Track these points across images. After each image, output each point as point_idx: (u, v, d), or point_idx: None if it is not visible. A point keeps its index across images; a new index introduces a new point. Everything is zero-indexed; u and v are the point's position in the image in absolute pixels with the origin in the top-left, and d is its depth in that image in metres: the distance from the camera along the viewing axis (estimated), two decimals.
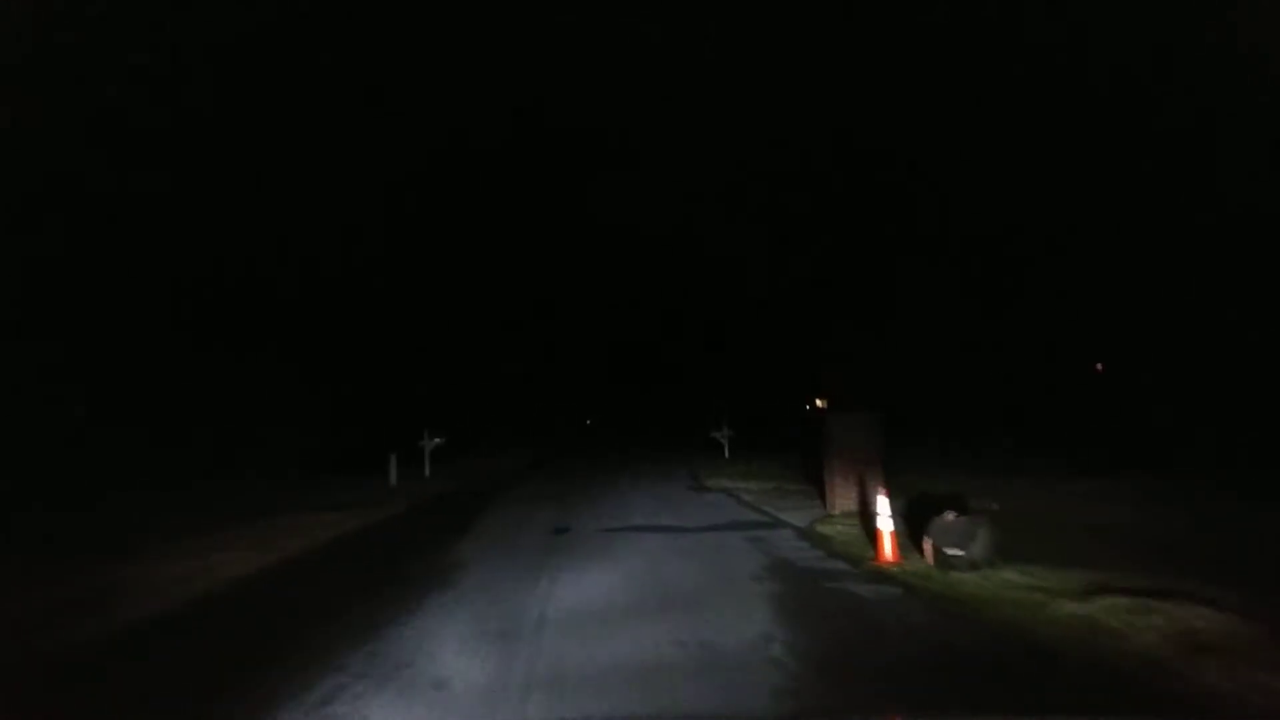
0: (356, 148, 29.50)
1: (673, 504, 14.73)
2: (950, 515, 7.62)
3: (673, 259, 48.18)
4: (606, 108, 43.59)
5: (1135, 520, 10.05)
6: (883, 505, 8.18)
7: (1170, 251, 18.02)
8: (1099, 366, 21.37)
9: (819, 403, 42.41)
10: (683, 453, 31.12)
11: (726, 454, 26.17)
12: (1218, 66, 15.48)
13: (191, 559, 9.92)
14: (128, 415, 19.81)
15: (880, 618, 6.10)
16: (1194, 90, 16.40)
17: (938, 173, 26.20)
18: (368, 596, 7.54)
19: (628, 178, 43.95)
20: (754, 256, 38.41)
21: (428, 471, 23.19)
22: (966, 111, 24.39)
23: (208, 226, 22.18)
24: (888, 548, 7.98)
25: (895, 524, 8.17)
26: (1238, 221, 15.96)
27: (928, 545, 7.65)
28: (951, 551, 7.30)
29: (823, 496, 13.16)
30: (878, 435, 12.29)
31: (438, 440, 23.43)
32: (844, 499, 12.18)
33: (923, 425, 23.92)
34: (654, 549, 9.62)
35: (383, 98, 31.31)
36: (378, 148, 31.92)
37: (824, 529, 10.72)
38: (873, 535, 9.67)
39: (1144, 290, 19.09)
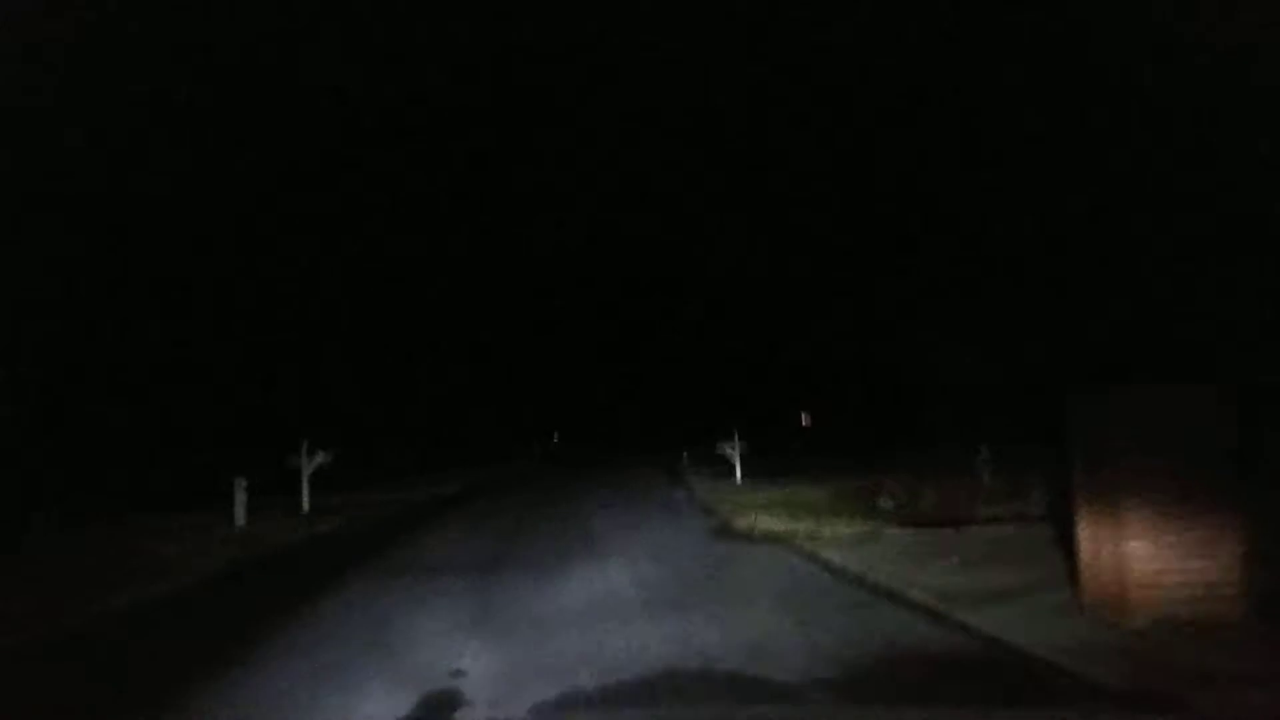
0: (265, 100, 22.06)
1: (706, 583, 7.39)
2: None
3: (657, 259, 42.13)
4: (598, 102, 37.42)
5: None
6: None
7: None
8: None
9: (804, 418, 38.14)
10: (674, 474, 23.59)
11: (738, 477, 18.78)
12: None
13: None
14: None
15: None
16: None
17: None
18: None
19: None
20: (746, 257, 33.54)
21: (306, 505, 15.49)
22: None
23: None
24: None
25: None
26: None
27: None
28: None
29: (1071, 560, 5.95)
30: (1227, 437, 5.16)
31: (320, 458, 15.71)
32: (1146, 589, 4.99)
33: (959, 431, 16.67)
34: None
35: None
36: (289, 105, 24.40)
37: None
38: None
39: None
